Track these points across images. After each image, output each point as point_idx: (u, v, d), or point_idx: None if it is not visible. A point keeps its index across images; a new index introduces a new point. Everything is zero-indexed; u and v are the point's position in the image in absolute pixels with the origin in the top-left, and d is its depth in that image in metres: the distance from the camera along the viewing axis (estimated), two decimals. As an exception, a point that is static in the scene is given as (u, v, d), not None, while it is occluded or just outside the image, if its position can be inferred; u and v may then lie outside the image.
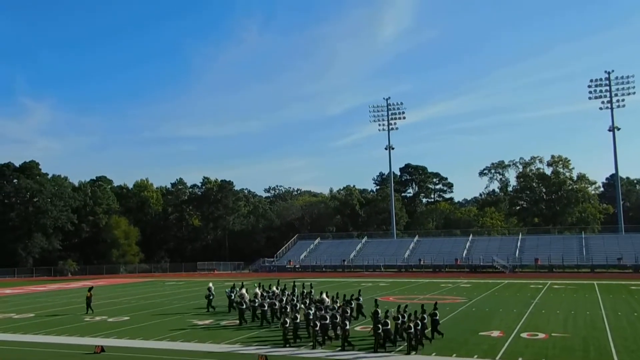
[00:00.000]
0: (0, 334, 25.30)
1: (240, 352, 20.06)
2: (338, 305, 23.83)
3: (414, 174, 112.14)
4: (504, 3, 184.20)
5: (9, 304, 39.15)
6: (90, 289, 33.80)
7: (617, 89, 74.45)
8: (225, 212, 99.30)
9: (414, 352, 19.03)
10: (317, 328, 20.75)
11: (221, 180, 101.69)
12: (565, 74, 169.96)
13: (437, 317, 21.79)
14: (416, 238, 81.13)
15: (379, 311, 20.97)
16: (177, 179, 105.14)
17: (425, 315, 20.32)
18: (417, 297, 35.87)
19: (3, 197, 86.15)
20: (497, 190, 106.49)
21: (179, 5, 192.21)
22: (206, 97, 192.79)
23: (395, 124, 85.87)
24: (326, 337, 21.09)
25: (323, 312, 21.95)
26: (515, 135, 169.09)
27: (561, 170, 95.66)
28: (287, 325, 21.18)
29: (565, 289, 43.06)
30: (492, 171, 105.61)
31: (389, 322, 20.03)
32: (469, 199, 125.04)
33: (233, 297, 30.48)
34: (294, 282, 33.91)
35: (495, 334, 22.72)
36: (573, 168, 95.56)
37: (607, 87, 74.92)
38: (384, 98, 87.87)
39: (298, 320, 21.89)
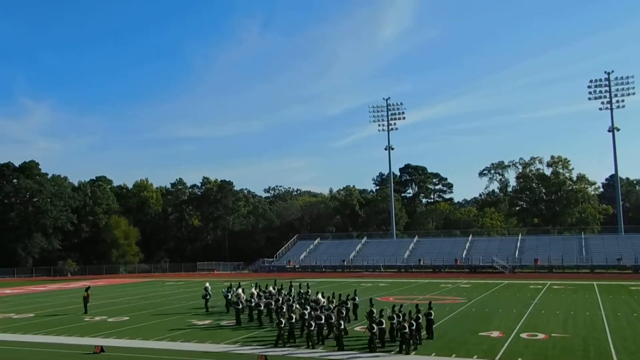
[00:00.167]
0: (0, 334, 25.30)
1: (239, 352, 20.07)
2: (334, 305, 23.90)
3: (414, 174, 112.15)
4: (504, 3, 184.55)
5: (9, 304, 39.13)
6: (87, 289, 33.80)
7: (617, 90, 74.48)
8: (225, 212, 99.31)
9: (411, 352, 19.07)
10: (312, 328, 20.79)
11: (221, 181, 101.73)
12: (564, 74, 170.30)
13: (432, 317, 21.82)
14: (416, 238, 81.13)
15: (374, 311, 21.02)
16: (176, 179, 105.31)
17: (420, 315, 20.36)
18: (416, 298, 35.86)
19: (3, 197, 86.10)
20: (496, 190, 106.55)
21: (179, 6, 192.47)
22: (206, 97, 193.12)
23: (395, 124, 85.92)
24: (321, 337, 21.13)
25: (318, 312, 22.00)
26: (515, 136, 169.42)
27: (561, 170, 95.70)
28: (283, 325, 21.25)
29: (565, 289, 43.07)
30: (492, 171, 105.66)
31: (383, 321, 20.10)
32: (468, 199, 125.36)
33: (230, 297, 30.51)
34: (291, 282, 33.91)
35: (495, 334, 22.73)
36: (573, 168, 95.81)
37: (607, 88, 74.92)
38: (383, 98, 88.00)
39: (293, 320, 21.94)
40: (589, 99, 75.98)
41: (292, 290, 30.18)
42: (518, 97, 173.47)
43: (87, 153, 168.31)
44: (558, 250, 68.36)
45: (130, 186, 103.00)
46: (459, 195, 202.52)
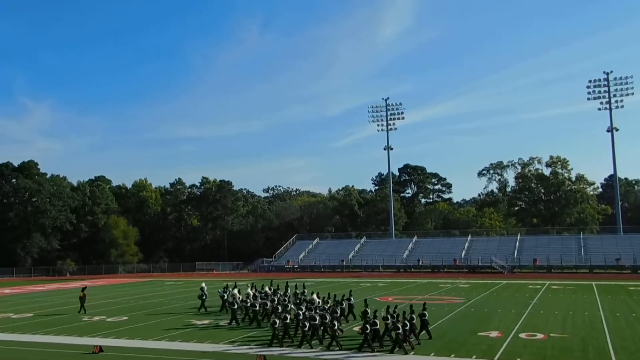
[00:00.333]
0: (-1, 333, 25.29)
1: (238, 352, 20.06)
2: (329, 305, 23.94)
3: (413, 174, 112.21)
4: (504, 3, 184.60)
5: (8, 304, 39.11)
6: (83, 289, 33.80)
7: (616, 90, 74.57)
8: (224, 212, 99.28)
9: (409, 352, 19.09)
10: (306, 328, 20.83)
11: (220, 181, 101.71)
12: (564, 74, 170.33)
13: (427, 317, 21.82)
14: (415, 238, 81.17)
15: (369, 311, 21.05)
16: (175, 179, 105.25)
17: (413, 316, 20.37)
18: (415, 298, 35.87)
19: (2, 196, 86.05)
20: (495, 190, 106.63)
21: (179, 6, 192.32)
22: (206, 97, 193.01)
23: (394, 124, 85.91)
24: (315, 337, 21.19)
25: (313, 312, 22.04)
26: (514, 136, 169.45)
27: (560, 170, 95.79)
28: (277, 325, 21.27)
29: (564, 289, 43.09)
30: (491, 172, 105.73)
31: (377, 322, 20.13)
32: (467, 199, 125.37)
33: (225, 297, 30.52)
34: (287, 282, 33.91)
35: (494, 334, 22.74)
36: (572, 169, 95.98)
37: (606, 88, 75.03)
38: (382, 98, 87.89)
39: (288, 321, 21.97)
40: (588, 99, 76.17)
41: (288, 291, 30.23)
42: (518, 97, 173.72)
43: (87, 153, 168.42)
44: (557, 251, 68.42)
45: (129, 186, 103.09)
46: (458, 195, 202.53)
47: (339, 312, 23.52)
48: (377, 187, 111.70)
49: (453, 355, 18.78)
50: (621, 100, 74.26)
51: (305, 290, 30.51)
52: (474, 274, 63.40)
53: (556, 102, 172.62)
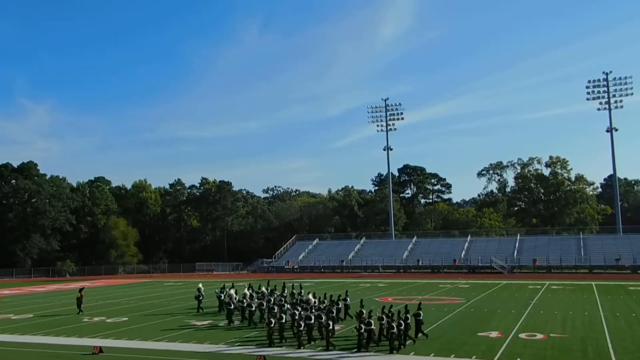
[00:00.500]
0: (-1, 334, 25.29)
1: (238, 352, 20.07)
2: (324, 305, 23.94)
3: (413, 174, 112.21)
4: (504, 3, 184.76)
5: (8, 305, 39.10)
6: (81, 289, 33.80)
7: (615, 90, 74.65)
8: (223, 213, 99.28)
9: (395, 352, 19.15)
10: (302, 328, 20.85)
11: (219, 181, 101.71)
12: (564, 74, 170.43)
13: (421, 318, 21.82)
14: (414, 239, 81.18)
15: (364, 311, 21.06)
16: (175, 180, 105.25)
17: (408, 316, 20.38)
18: (415, 298, 35.87)
19: (1, 197, 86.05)
20: (495, 191, 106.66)
21: (179, 6, 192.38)
22: (206, 97, 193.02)
23: (393, 124, 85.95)
24: (311, 337, 21.21)
25: (308, 312, 22.06)
26: (513, 136, 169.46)
27: (559, 171, 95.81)
28: (272, 325, 21.28)
29: (564, 289, 43.11)
30: (491, 172, 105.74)
31: (372, 322, 20.14)
32: (467, 199, 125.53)
33: (222, 298, 30.54)
34: (284, 282, 33.92)
35: (494, 334, 22.75)
36: (571, 169, 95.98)
37: (605, 88, 75.10)
38: (382, 99, 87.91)
39: (284, 321, 21.98)
40: (588, 99, 76.22)
41: (285, 291, 30.25)
42: (517, 97, 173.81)
43: (86, 153, 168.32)
44: (556, 251, 68.44)
45: (128, 187, 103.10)
46: (457, 195, 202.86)
47: (334, 312, 23.54)
48: (376, 188, 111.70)
49: (453, 355, 18.79)
50: (620, 101, 74.40)
51: (302, 291, 30.53)
52: (474, 275, 63.41)
53: (556, 102, 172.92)
